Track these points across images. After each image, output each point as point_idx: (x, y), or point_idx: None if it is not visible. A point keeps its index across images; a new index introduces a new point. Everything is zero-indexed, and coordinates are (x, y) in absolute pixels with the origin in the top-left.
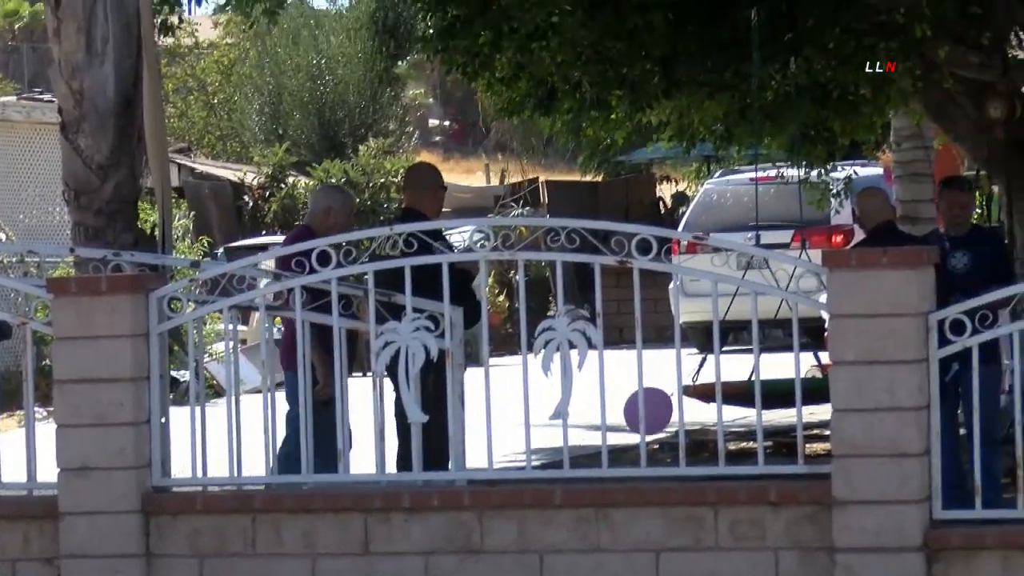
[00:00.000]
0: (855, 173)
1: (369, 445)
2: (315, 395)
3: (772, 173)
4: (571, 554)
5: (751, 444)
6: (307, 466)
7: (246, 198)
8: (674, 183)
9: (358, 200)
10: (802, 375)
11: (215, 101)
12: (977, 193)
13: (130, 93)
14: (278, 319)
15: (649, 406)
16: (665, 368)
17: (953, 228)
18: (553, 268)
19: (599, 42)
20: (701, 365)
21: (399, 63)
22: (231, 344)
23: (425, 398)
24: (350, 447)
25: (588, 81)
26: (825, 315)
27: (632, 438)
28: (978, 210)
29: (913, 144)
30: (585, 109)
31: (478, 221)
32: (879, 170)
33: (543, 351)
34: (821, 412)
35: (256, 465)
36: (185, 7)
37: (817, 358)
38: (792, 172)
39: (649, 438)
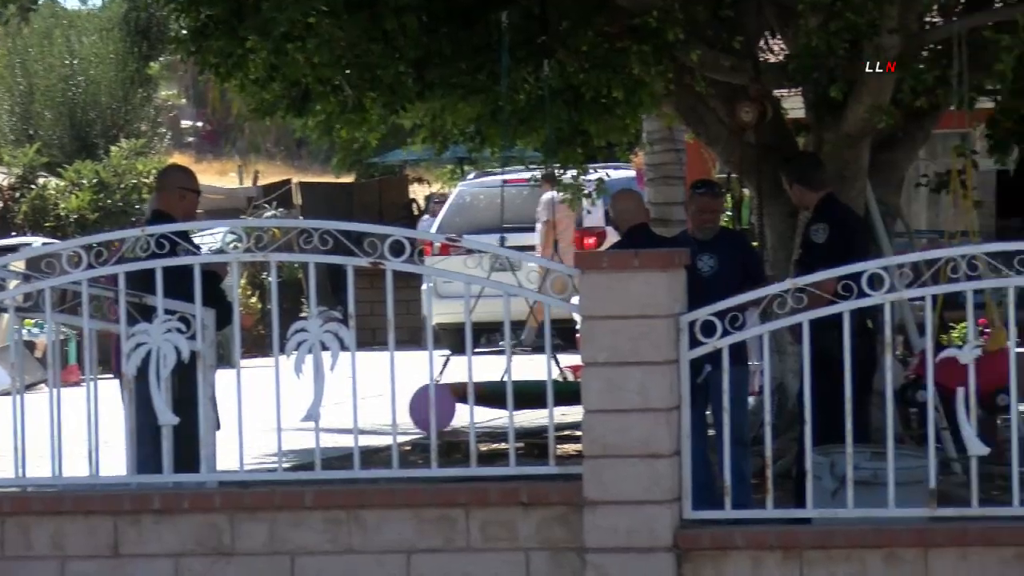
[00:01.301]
0: (607, 175)
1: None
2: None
3: (525, 175)
4: (322, 556)
5: (503, 445)
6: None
7: None
8: (427, 185)
9: (109, 201)
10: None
11: None
12: (728, 197)
13: None
14: (28, 321)
15: (434, 403)
16: (418, 369)
17: (701, 231)
18: (306, 269)
19: (356, 44)
20: (444, 365)
21: (152, 64)
22: None
23: (176, 400)
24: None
25: (346, 83)
26: (577, 317)
27: (385, 439)
28: (728, 213)
29: (665, 147)
30: (341, 111)
31: (231, 222)
32: (631, 172)
33: (295, 353)
34: (574, 414)
35: (5, 467)
36: None
37: (556, 361)
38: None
39: (401, 439)
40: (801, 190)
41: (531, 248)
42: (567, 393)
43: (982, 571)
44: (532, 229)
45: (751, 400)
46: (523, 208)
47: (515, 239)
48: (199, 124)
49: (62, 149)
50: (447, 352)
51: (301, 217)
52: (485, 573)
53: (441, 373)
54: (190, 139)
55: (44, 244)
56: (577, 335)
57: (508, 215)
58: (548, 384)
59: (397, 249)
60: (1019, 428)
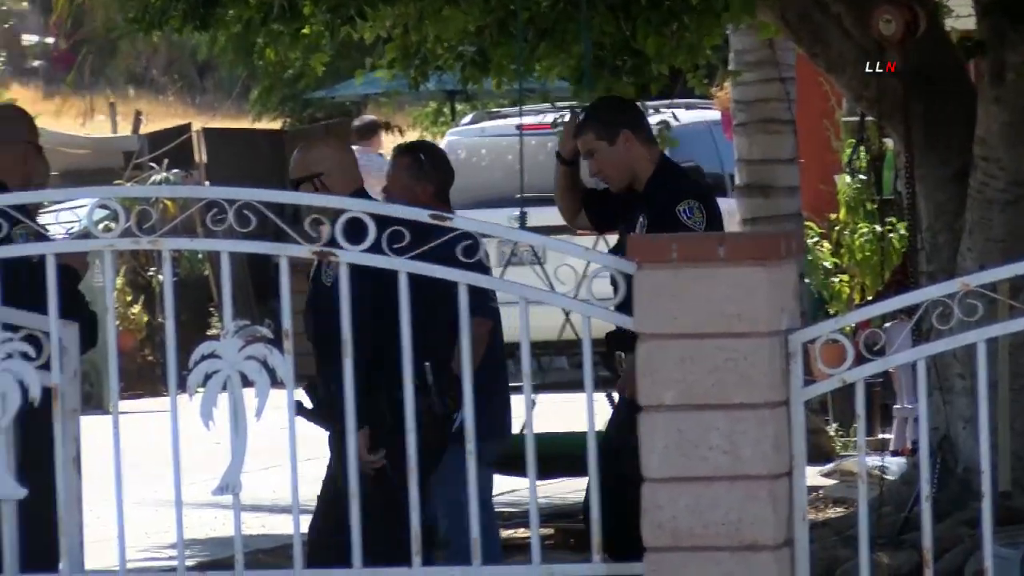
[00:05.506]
0: (674, 117)
1: None
2: None
3: (550, 118)
4: None
5: (523, 532)
6: None
7: None
8: (398, 132)
9: None
10: (599, 427)
11: None
12: (862, 151)
13: None
14: None
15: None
16: None
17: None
18: (216, 263)
19: None
20: None
21: None
22: None
23: (21, 462)
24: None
25: None
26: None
27: None
28: (861, 177)
29: (764, 75)
30: (265, 20)
31: (100, 190)
32: (713, 113)
33: (202, 391)
34: None
35: None
36: None
37: (611, 400)
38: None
39: None
40: (631, 143)
41: (566, 229)
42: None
43: None
44: None
45: (902, 461)
46: (549, 168)
47: (539, 216)
48: (49, 40)
49: None
50: None
51: (207, 182)
52: None
53: None
54: (36, 63)
55: None
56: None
57: (529, 179)
58: (590, 438)
59: (356, 231)
60: None
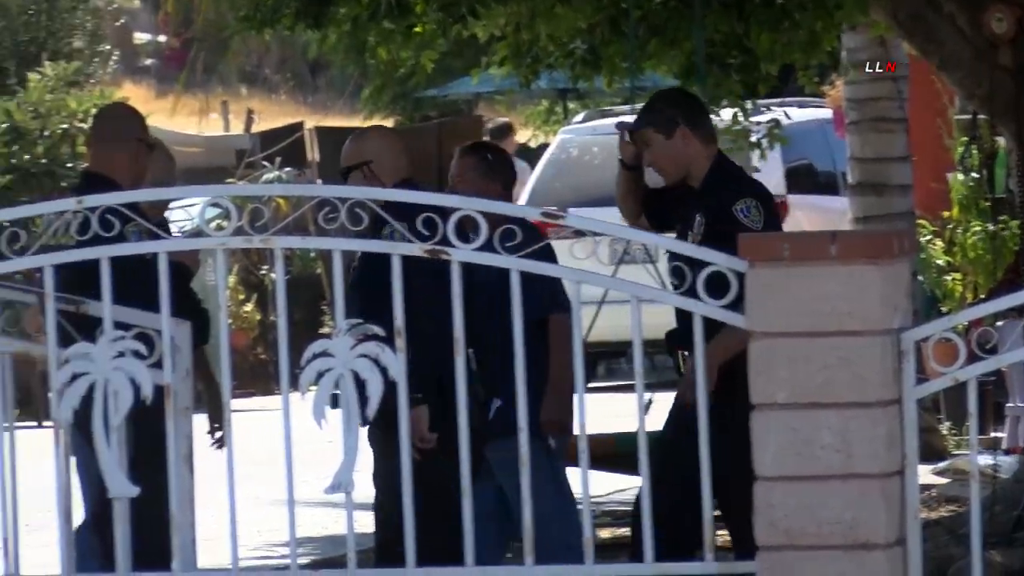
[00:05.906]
0: (786, 115)
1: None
2: None
3: None
4: None
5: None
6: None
7: None
8: (512, 131)
9: (27, 157)
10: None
11: None
12: (975, 149)
13: None
14: None
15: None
16: None
17: None
18: (328, 261)
19: None
20: None
21: None
22: None
23: (134, 459)
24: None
25: None
26: None
27: None
28: (973, 175)
29: (876, 73)
30: (375, 18)
31: (212, 189)
32: (825, 112)
33: (314, 389)
34: None
35: None
36: None
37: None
38: None
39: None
40: (688, 139)
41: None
42: None
43: None
44: None
45: (1014, 459)
46: None
47: None
48: (161, 39)
49: None
50: None
51: (319, 180)
52: None
53: None
54: (148, 61)
55: None
56: None
57: None
58: (701, 435)
59: (468, 230)
60: None
